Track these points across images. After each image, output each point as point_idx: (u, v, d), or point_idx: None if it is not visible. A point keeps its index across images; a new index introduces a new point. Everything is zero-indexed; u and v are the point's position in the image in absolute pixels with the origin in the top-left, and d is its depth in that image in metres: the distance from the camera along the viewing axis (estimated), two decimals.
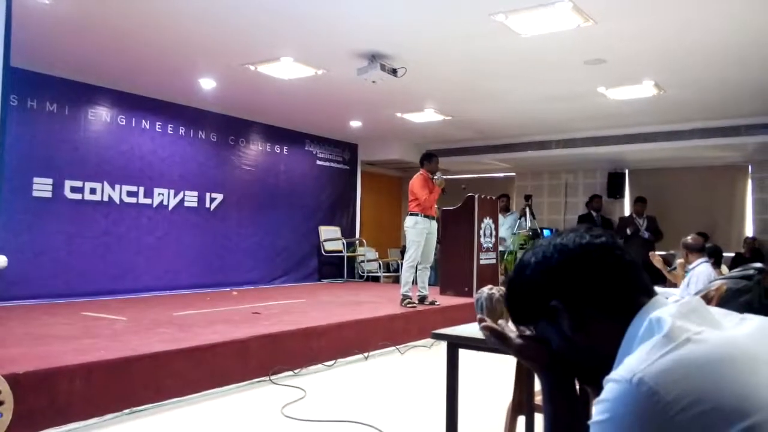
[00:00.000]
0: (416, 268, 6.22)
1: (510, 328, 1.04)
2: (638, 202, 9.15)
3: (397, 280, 9.59)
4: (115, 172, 6.90)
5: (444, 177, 6.30)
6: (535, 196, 11.03)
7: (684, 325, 0.77)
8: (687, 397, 0.68)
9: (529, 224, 8.75)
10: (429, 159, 6.37)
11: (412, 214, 6.16)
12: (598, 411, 0.74)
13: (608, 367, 0.81)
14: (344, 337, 4.99)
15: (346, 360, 4.88)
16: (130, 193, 7.05)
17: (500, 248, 8.04)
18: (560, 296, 0.91)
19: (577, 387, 0.98)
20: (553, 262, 0.93)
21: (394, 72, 5.68)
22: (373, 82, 5.77)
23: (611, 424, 0.71)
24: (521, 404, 2.43)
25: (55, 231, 6.34)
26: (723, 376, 0.70)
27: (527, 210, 8.88)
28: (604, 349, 0.86)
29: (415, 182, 6.21)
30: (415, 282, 6.25)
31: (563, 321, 0.91)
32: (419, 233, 6.11)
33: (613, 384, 0.73)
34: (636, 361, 0.73)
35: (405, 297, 6.12)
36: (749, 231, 9.21)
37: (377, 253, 10.45)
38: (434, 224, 6.29)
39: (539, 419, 2.33)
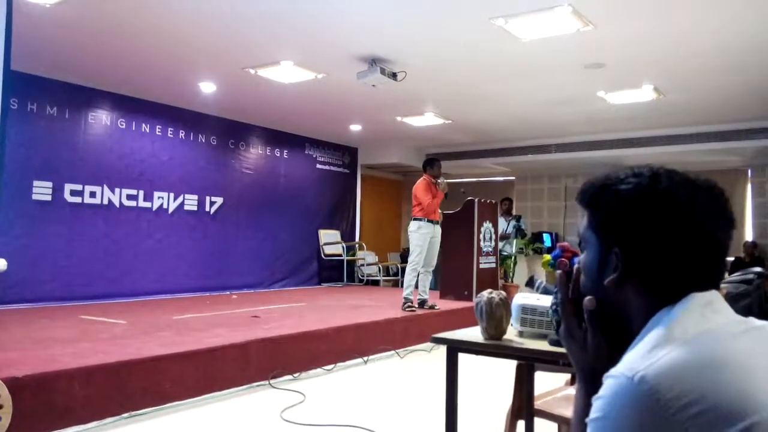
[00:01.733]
0: (418, 271, 6.23)
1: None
2: None
3: (396, 284, 9.59)
4: (114, 175, 6.91)
5: (447, 181, 6.32)
6: (535, 200, 11.06)
7: (689, 324, 0.76)
8: (686, 396, 0.68)
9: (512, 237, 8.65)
10: (431, 164, 6.40)
11: (415, 219, 6.18)
12: (596, 408, 0.72)
13: (626, 336, 0.80)
14: (344, 341, 4.98)
15: (346, 364, 4.88)
16: (129, 197, 7.05)
17: (499, 247, 8.00)
18: (625, 249, 0.82)
19: None
20: (652, 207, 0.81)
21: (394, 76, 5.68)
22: (373, 86, 5.79)
23: (609, 422, 0.70)
24: (521, 409, 2.42)
25: (55, 234, 6.34)
26: (722, 376, 0.70)
27: (507, 219, 8.72)
28: (629, 316, 0.84)
29: (419, 187, 6.23)
30: (416, 286, 6.25)
31: (610, 266, 0.84)
32: (422, 237, 6.12)
33: (612, 380, 0.72)
34: (637, 359, 0.73)
35: (406, 300, 6.13)
36: (749, 235, 9.21)
37: (377, 256, 10.45)
38: (438, 229, 6.29)
39: (539, 424, 2.34)
